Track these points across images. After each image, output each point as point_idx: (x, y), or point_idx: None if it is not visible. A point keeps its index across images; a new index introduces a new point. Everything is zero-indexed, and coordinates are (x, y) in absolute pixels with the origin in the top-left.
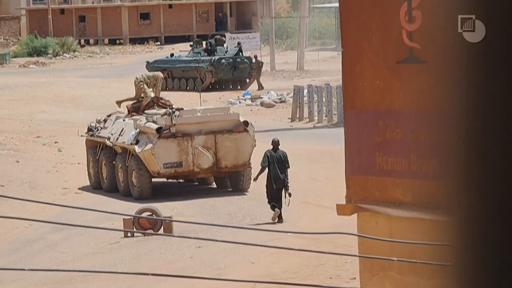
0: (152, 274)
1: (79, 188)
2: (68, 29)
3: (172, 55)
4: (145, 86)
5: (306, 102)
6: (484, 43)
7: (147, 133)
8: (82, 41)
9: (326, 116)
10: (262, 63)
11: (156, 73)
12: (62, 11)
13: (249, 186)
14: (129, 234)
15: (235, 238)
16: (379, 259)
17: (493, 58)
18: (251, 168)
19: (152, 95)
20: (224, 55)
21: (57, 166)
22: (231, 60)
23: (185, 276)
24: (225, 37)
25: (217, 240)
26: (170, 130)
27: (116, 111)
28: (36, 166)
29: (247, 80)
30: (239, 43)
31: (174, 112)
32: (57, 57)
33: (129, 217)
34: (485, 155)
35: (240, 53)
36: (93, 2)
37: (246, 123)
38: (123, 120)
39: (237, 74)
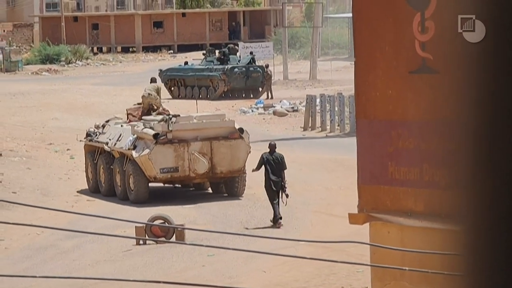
0: (164, 282)
1: (91, 196)
2: (81, 37)
3: (186, 63)
4: (158, 96)
5: (319, 111)
6: (496, 53)
7: (144, 138)
8: (95, 49)
9: (338, 125)
10: (270, 74)
11: (156, 84)
12: (76, 18)
13: (243, 191)
14: (141, 242)
15: (247, 246)
16: (391, 269)
17: (505, 68)
18: (245, 174)
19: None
20: (237, 64)
21: (69, 173)
22: (244, 69)
23: (197, 284)
24: (238, 46)
25: (229, 248)
26: (167, 136)
27: (115, 117)
28: (48, 173)
29: (260, 89)
30: (251, 52)
31: (171, 119)
32: (70, 65)
33: (142, 224)
34: (496, 164)
35: (253, 62)
36: (106, 10)
37: (241, 130)
38: (121, 125)
39: (250, 83)
